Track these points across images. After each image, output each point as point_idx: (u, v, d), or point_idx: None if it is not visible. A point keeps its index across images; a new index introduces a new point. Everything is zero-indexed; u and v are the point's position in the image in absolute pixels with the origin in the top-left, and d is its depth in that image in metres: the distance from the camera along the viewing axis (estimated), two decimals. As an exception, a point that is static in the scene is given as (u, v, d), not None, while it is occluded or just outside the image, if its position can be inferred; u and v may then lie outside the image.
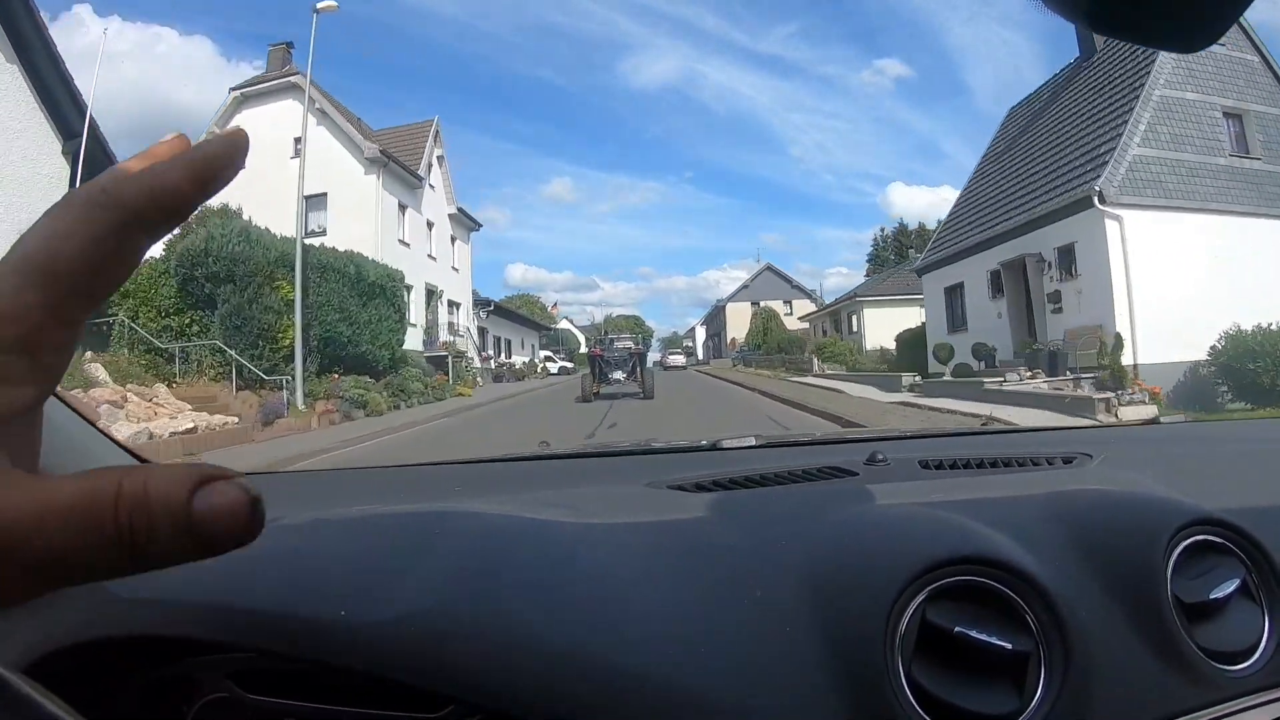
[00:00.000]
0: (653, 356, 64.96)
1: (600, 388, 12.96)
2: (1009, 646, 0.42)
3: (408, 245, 20.34)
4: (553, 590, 0.46)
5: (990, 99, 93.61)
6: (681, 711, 0.40)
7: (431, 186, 22.48)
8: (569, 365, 41.14)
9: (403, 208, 20.34)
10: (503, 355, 29.69)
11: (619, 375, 13.33)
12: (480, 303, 25.45)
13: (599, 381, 13.07)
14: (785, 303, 44.27)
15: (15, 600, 0.17)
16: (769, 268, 49.13)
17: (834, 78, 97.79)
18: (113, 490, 0.17)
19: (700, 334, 75.16)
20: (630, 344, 14.21)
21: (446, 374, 20.30)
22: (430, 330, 21.07)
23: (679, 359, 41.85)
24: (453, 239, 24.28)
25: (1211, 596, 0.48)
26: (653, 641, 0.42)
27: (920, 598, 0.43)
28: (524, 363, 32.29)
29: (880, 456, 0.72)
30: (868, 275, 55.54)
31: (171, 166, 0.19)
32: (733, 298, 48.59)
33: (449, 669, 0.42)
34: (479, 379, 23.02)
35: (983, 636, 0.42)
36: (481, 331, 26.75)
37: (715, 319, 54.76)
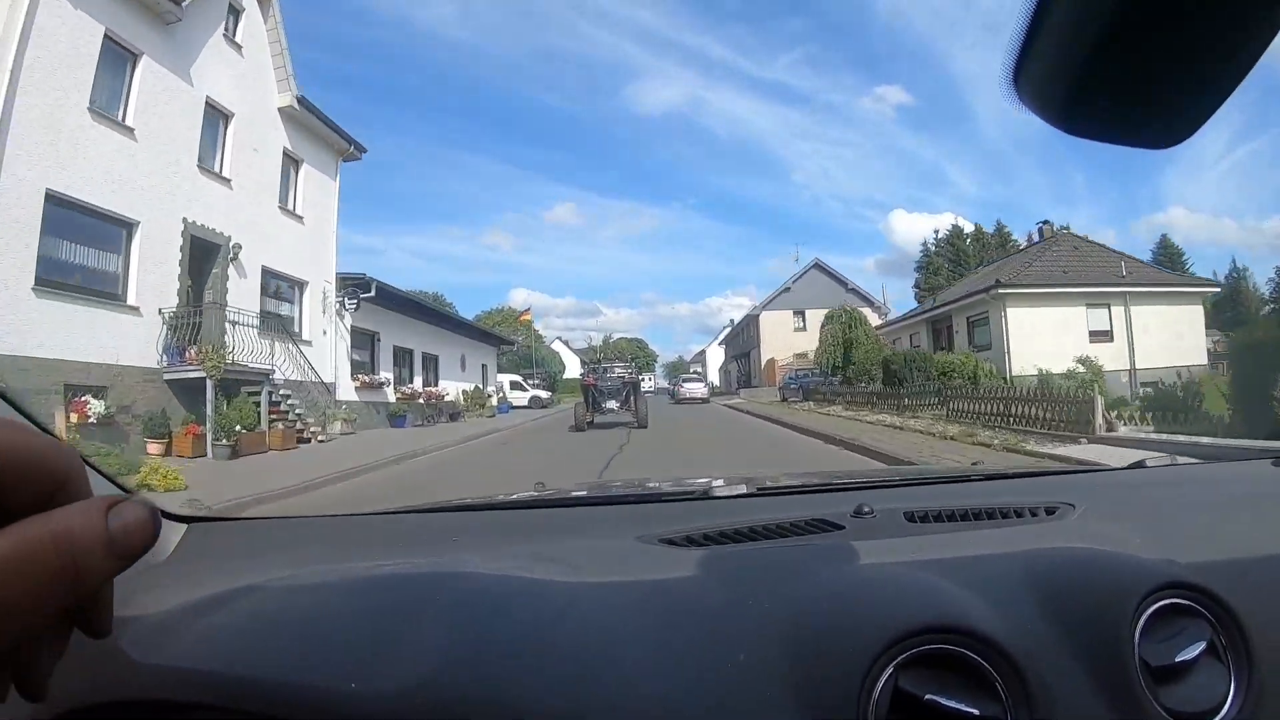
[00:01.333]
0: (659, 383, 54.82)
1: (594, 417, 12.87)
2: (976, 713, 0.43)
3: (131, 132, 9.17)
4: (543, 653, 0.47)
5: (994, 125, 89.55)
6: None
7: (233, 43, 11.40)
8: (545, 395, 29.74)
9: (129, 54, 9.22)
10: (420, 380, 18.29)
11: (613, 404, 13.07)
12: (352, 283, 14.08)
13: (592, 411, 12.90)
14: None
15: None
16: (817, 265, 36.84)
17: (839, 105, 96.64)
18: (46, 535, 0.21)
19: (715, 356, 64.00)
20: (624, 372, 13.73)
21: (200, 422, 8.98)
22: (183, 324, 9.69)
23: (698, 388, 29.59)
24: (293, 161, 13.03)
25: (1178, 659, 0.49)
26: (638, 705, 0.44)
27: (893, 665, 0.45)
28: (468, 391, 20.94)
29: (866, 509, 0.73)
30: (917, 289, 44.66)
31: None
32: (769, 304, 36.40)
33: None
34: (331, 425, 11.75)
35: (952, 703, 0.43)
36: (368, 338, 15.45)
37: (742, 335, 43.02)
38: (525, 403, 27.74)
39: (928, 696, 0.43)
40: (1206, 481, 1.02)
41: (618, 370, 13.98)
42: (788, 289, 36.34)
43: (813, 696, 0.44)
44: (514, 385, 28.41)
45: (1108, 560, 0.58)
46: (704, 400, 27.97)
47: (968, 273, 31.93)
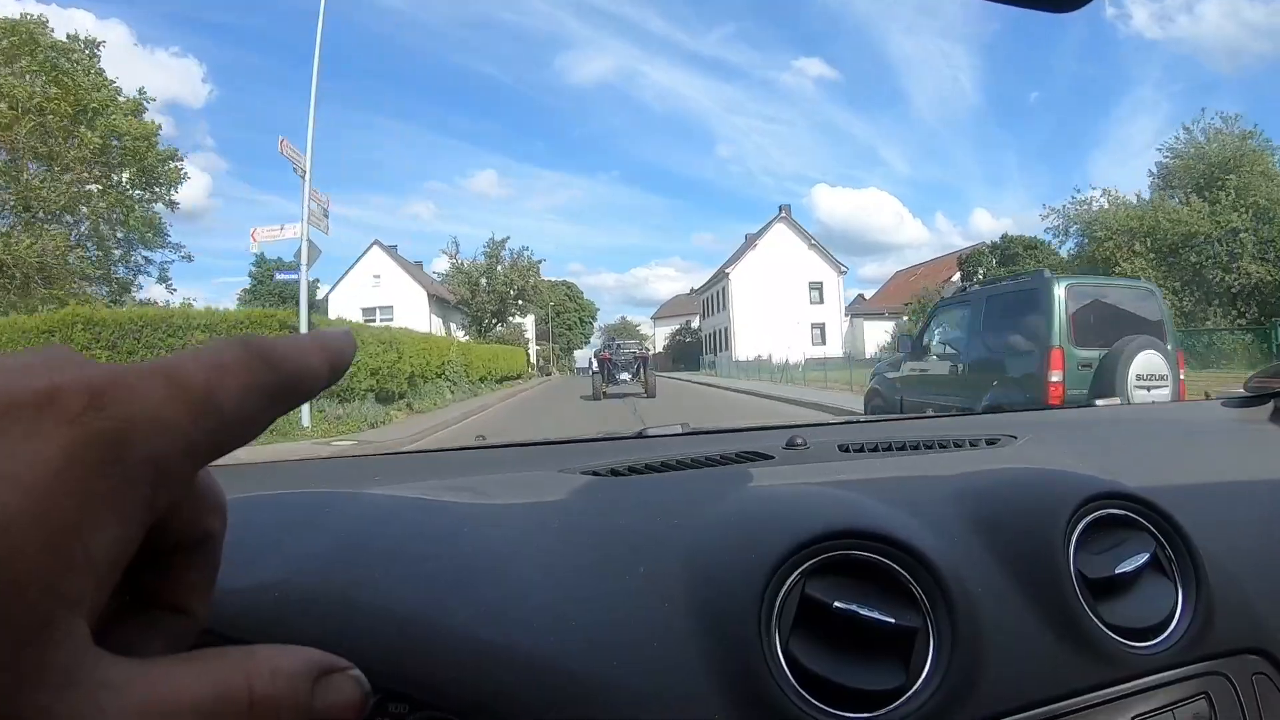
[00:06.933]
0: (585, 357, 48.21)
1: (608, 388, 14.85)
2: (892, 621, 0.40)
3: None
4: (422, 562, 0.45)
5: (927, 107, 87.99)
6: (544, 682, 0.40)
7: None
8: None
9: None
10: None
11: (625, 376, 15.16)
12: None
13: (607, 382, 14.92)
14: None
15: None
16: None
17: (772, 80, 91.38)
18: (244, 695, 0.16)
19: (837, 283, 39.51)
20: (636, 349, 16.11)
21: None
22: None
23: None
24: None
25: (1118, 571, 0.47)
26: (521, 614, 0.42)
27: (798, 573, 0.42)
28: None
29: (799, 440, 0.73)
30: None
31: (318, 353, 0.19)
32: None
33: (308, 635, 0.40)
34: None
35: (864, 612, 0.41)
36: None
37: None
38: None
39: (836, 604, 0.40)
40: (1155, 419, 1.04)
41: (630, 347, 16.32)
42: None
43: (714, 604, 0.42)
44: None
45: (1043, 474, 0.56)
46: None
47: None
